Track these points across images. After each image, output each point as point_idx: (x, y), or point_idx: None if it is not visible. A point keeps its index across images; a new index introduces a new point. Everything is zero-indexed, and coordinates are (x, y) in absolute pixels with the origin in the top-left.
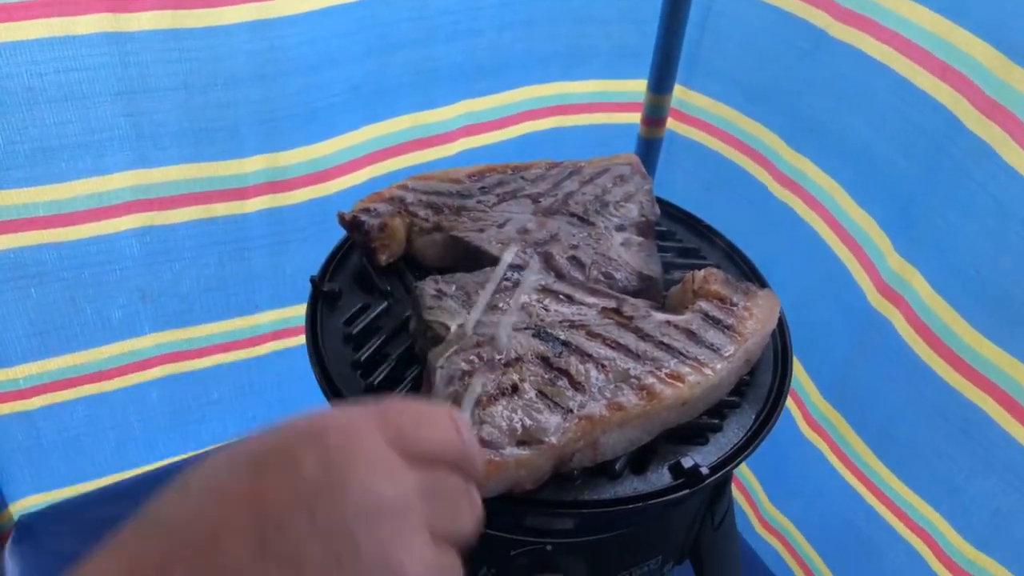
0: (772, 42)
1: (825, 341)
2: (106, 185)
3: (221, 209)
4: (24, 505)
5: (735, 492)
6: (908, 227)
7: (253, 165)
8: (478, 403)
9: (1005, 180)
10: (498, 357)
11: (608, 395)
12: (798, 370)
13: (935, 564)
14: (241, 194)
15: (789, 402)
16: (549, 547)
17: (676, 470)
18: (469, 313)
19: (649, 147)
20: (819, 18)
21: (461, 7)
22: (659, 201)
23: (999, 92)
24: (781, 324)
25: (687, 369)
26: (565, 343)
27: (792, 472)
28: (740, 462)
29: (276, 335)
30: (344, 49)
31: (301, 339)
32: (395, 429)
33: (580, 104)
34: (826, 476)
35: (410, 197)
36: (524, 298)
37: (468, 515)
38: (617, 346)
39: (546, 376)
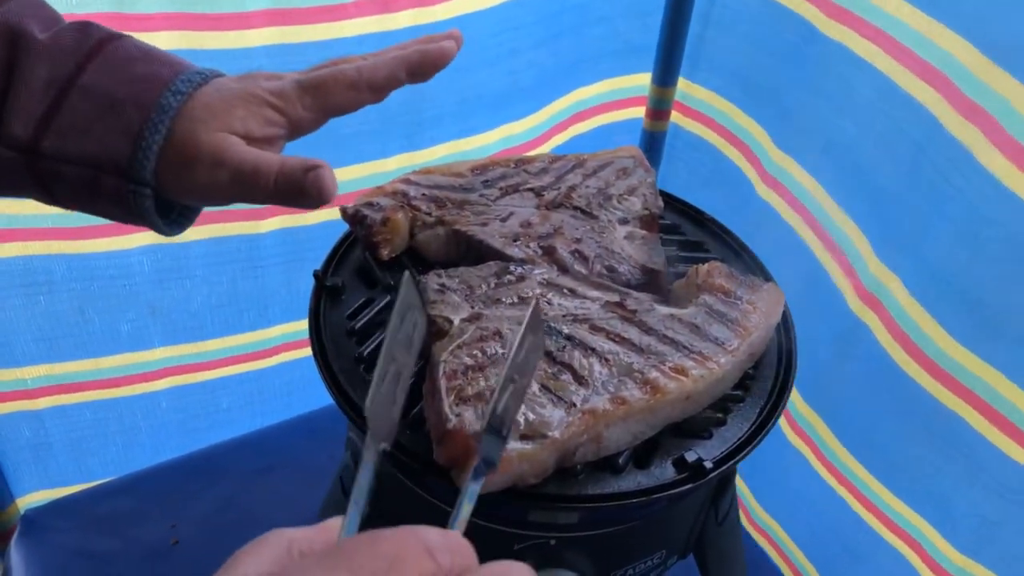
0: (768, 36)
1: (805, 345)
2: None
3: (235, 229)
4: (30, 500)
5: None
6: (888, 231)
7: None
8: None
9: (981, 183)
10: (501, 351)
11: (612, 389)
12: None
13: (924, 572)
14: (256, 215)
15: None
16: (553, 541)
17: (679, 464)
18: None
19: (653, 140)
20: (811, 13)
21: (502, 27)
22: (662, 194)
23: (978, 93)
24: (785, 318)
25: (691, 363)
26: (568, 337)
27: (778, 477)
28: (744, 456)
29: (287, 347)
30: None
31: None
32: None
33: (593, 107)
34: (811, 482)
35: (413, 191)
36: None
37: None
38: (621, 340)
39: (549, 370)
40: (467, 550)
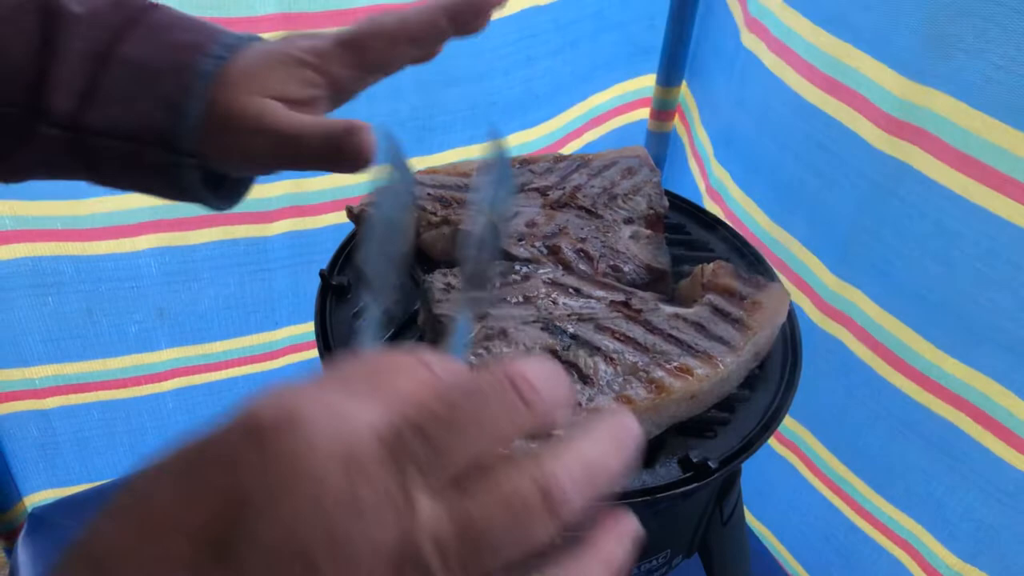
0: (719, 41)
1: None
2: (124, 204)
3: (242, 231)
4: (37, 499)
5: None
6: (840, 248)
7: (278, 190)
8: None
9: (938, 199)
10: (506, 350)
11: (616, 388)
12: None
13: None
14: (264, 218)
15: None
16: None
17: (685, 463)
18: None
19: (658, 141)
20: (738, 15)
21: (519, 35)
22: (668, 194)
23: (902, 111)
24: (791, 317)
25: (696, 362)
26: (573, 336)
27: (768, 487)
28: (749, 456)
29: (294, 349)
30: (388, 82)
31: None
32: (363, 388)
33: (607, 112)
34: (802, 490)
35: (418, 191)
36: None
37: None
38: (626, 339)
39: None
40: (462, 368)
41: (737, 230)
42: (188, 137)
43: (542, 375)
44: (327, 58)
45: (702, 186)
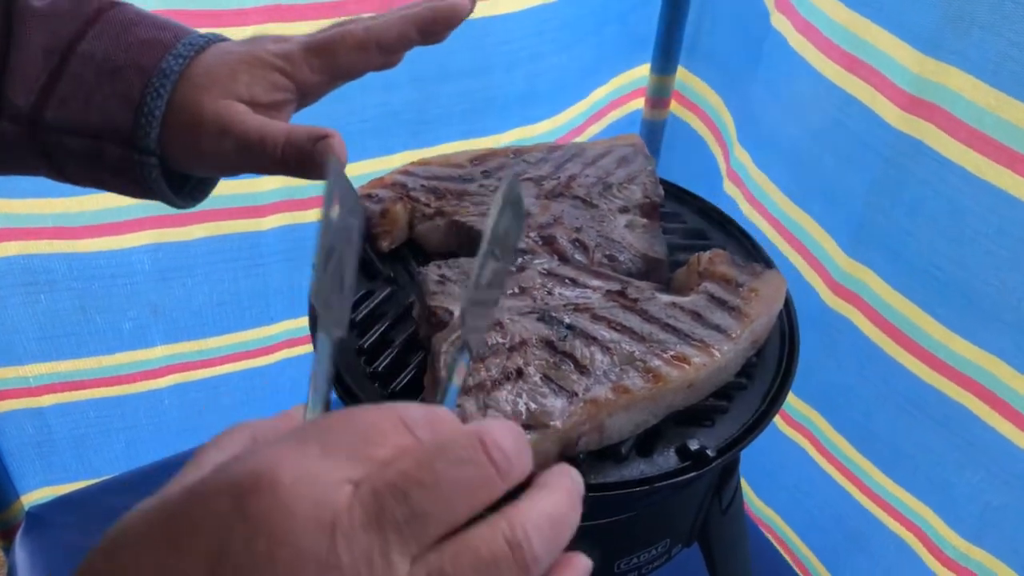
0: (743, 24)
1: None
2: (116, 201)
3: (236, 226)
4: (34, 497)
5: None
6: (854, 227)
7: (271, 184)
8: (469, 390)
9: (951, 177)
10: (502, 342)
11: (614, 378)
12: None
13: (927, 558)
14: (257, 212)
15: None
16: None
17: (682, 453)
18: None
19: (653, 129)
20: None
21: (525, 32)
22: (663, 182)
23: (919, 87)
24: (788, 305)
25: (693, 351)
26: (570, 327)
27: (776, 470)
28: (746, 444)
29: (289, 343)
30: (381, 75)
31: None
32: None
33: (605, 107)
34: (811, 472)
35: (412, 183)
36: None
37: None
38: (622, 329)
39: (551, 360)
40: (448, 422)
41: (755, 211)
42: (149, 136)
43: (512, 442)
44: (295, 62)
45: (723, 167)
